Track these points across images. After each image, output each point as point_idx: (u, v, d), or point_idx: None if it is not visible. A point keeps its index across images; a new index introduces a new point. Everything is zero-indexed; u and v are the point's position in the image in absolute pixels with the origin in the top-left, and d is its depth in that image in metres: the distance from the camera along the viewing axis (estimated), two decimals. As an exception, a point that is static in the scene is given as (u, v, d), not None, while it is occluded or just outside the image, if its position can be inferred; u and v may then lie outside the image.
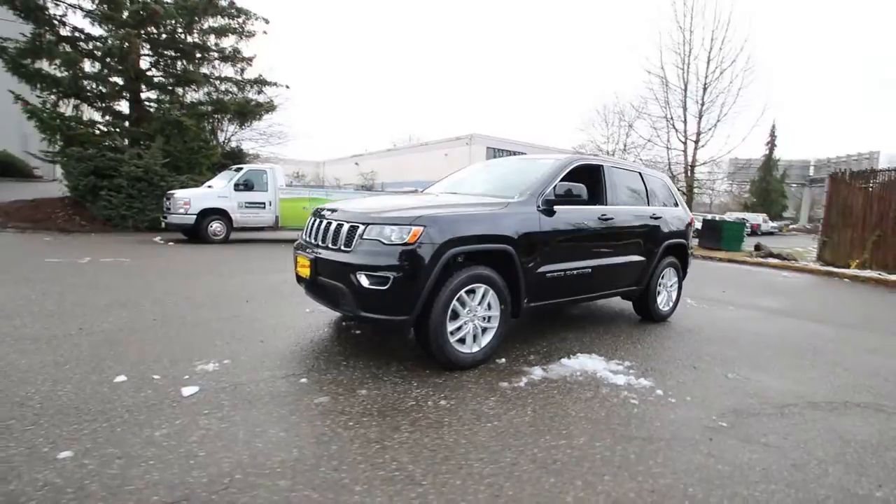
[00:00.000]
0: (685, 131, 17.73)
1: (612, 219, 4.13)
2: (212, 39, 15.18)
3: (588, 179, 4.15)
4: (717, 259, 13.98)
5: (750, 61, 16.52)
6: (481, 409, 2.57)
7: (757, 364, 3.68)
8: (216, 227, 10.54)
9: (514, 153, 35.83)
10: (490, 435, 2.28)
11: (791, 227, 42.82)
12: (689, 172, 17.99)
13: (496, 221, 3.25)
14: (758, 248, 16.17)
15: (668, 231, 4.86)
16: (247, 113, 15.99)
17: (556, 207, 3.62)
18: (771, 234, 34.44)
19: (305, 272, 3.28)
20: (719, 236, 17.26)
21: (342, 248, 3.05)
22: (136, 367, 2.86)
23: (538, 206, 3.53)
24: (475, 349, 3.17)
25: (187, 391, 2.54)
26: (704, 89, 17.11)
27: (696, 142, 17.63)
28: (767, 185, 44.24)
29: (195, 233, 10.47)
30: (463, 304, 3.07)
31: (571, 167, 3.97)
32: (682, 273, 5.24)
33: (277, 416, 2.34)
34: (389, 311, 2.86)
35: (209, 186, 11.20)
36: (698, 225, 17.87)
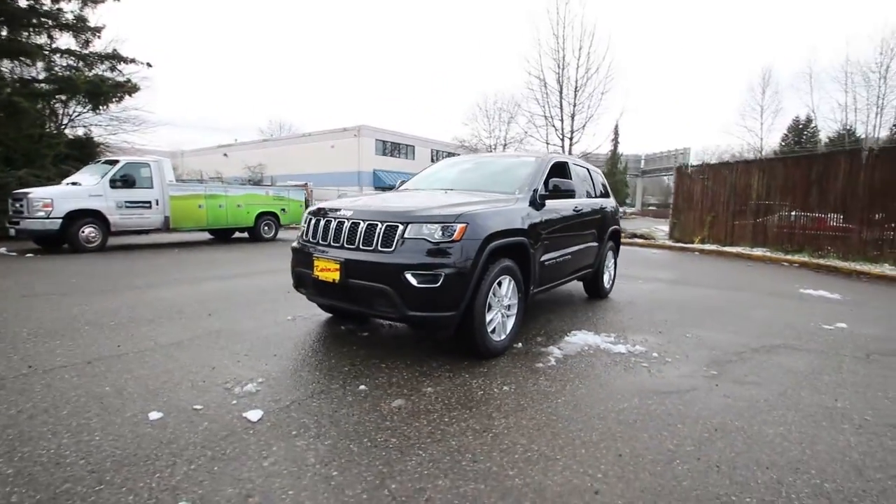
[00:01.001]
0: (562, 129, 19.93)
1: (581, 210, 4.68)
2: (47, 2, 12.32)
3: (559, 175, 4.61)
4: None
5: (610, 70, 19.23)
6: (541, 388, 2.82)
7: (696, 324, 4.57)
8: (89, 232, 8.79)
9: (406, 146, 36.08)
10: (568, 408, 2.55)
11: (629, 212, 51.06)
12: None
13: (515, 216, 3.49)
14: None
15: (610, 219, 5.63)
16: (102, 94, 13.41)
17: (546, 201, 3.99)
18: (621, 218, 40.66)
19: (331, 276, 3.12)
20: None
21: (379, 248, 2.99)
22: (158, 399, 2.46)
23: (535, 200, 3.85)
24: (503, 337, 3.39)
25: (253, 415, 2.31)
26: (576, 92, 19.41)
27: (571, 139, 19.95)
28: (614, 177, 51.85)
29: (58, 240, 8.61)
30: (494, 295, 3.26)
31: (552, 164, 4.38)
32: (616, 255, 6.11)
33: (373, 425, 2.28)
34: (439, 309, 2.92)
35: (73, 184, 9.23)
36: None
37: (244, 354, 3.22)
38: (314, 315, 4.33)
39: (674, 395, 2.78)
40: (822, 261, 10.20)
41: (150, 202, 9.70)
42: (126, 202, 9.34)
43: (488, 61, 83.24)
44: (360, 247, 3.07)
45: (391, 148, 34.36)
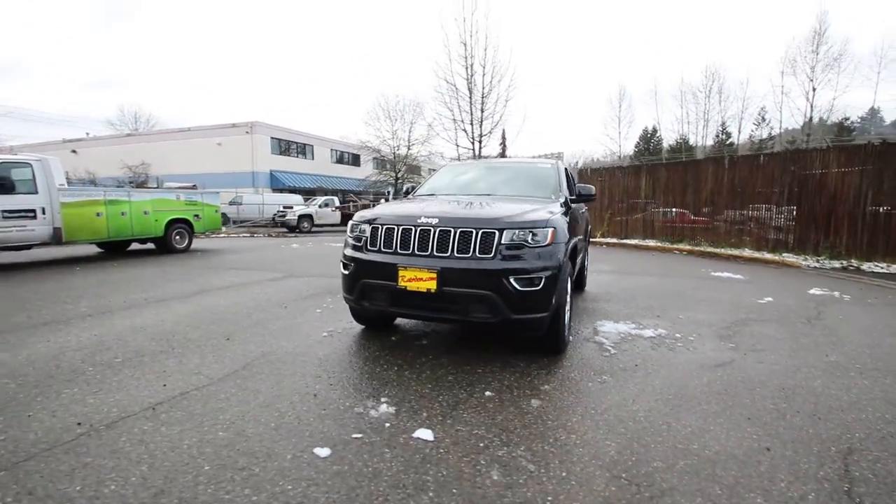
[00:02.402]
0: (472, 133, 20.89)
1: (583, 212, 5.17)
2: None
3: (566, 179, 5.03)
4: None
5: (513, 80, 20.74)
6: (630, 373, 3.15)
7: (674, 307, 5.37)
8: (-50, 251, 6.86)
9: (304, 145, 34.04)
10: (669, 387, 2.92)
11: None
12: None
13: (567, 220, 3.78)
14: None
15: (588, 218, 6.27)
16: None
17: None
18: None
19: (425, 285, 3.06)
20: None
21: (477, 255, 3.04)
22: (312, 436, 2.22)
23: (566, 204, 4.19)
24: (567, 332, 3.66)
25: (422, 434, 2.23)
26: (483, 99, 20.51)
27: (480, 142, 21.04)
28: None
29: None
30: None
31: (564, 170, 4.77)
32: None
33: (545, 427, 2.38)
34: (538, 310, 3.08)
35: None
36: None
37: (330, 378, 2.99)
38: (347, 329, 4.12)
39: (727, 367, 3.34)
40: (699, 248, 12.48)
41: (34, 210, 7.89)
42: (2, 212, 7.47)
43: (388, 63, 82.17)
44: (455, 254, 3.08)
45: (288, 147, 32.17)
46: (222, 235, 15.14)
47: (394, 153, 30.34)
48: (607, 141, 48.92)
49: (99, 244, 10.31)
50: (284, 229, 20.71)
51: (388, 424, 2.35)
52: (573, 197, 4.35)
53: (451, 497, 1.77)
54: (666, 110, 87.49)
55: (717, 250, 11.88)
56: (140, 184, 21.29)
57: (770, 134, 46.93)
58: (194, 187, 17.12)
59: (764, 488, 1.87)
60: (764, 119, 46.99)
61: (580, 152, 64.37)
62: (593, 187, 4.48)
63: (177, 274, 7.32)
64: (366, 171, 34.57)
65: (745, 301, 5.78)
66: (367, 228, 3.44)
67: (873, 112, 51.10)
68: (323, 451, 2.07)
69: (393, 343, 3.74)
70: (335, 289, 6.01)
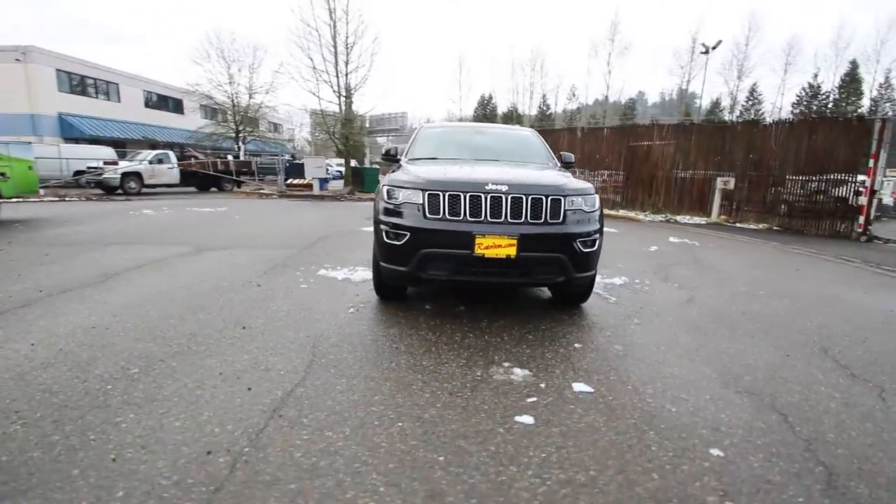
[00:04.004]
0: (338, 85, 19.51)
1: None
2: None
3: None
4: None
5: (378, 36, 19.87)
6: (648, 318, 3.84)
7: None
8: None
9: (106, 83, 26.54)
10: (684, 326, 3.69)
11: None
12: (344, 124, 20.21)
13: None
14: None
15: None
16: None
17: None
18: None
19: (504, 251, 3.12)
20: (362, 180, 21.03)
21: (549, 220, 3.23)
22: (491, 417, 2.21)
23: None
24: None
25: (578, 387, 2.45)
26: (347, 50, 19.18)
27: (348, 97, 19.84)
28: (346, 138, 53.33)
29: None
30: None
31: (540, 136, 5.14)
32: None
33: (645, 362, 2.82)
34: (592, 268, 3.48)
35: None
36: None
37: (440, 352, 2.88)
38: (364, 303, 3.88)
39: (693, 303, 4.31)
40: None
41: None
42: None
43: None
44: (529, 220, 3.20)
45: (83, 84, 24.62)
46: (33, 200, 11.07)
47: (232, 101, 26.24)
48: (449, 104, 51.21)
49: None
50: (100, 191, 16.46)
51: (543, 385, 2.49)
52: (561, 164, 4.77)
53: (653, 420, 2.08)
54: (501, 80, 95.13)
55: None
56: None
57: (578, 107, 55.39)
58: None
59: (792, 365, 2.67)
60: (574, 94, 55.11)
61: (425, 113, 65.66)
62: (572, 154, 4.95)
63: (32, 255, 5.43)
64: (193, 120, 29.22)
65: (640, 250, 7.21)
66: (421, 195, 3.26)
67: (640, 94, 63.85)
68: (526, 419, 2.13)
69: (433, 312, 3.70)
70: (284, 261, 5.39)
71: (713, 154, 12.67)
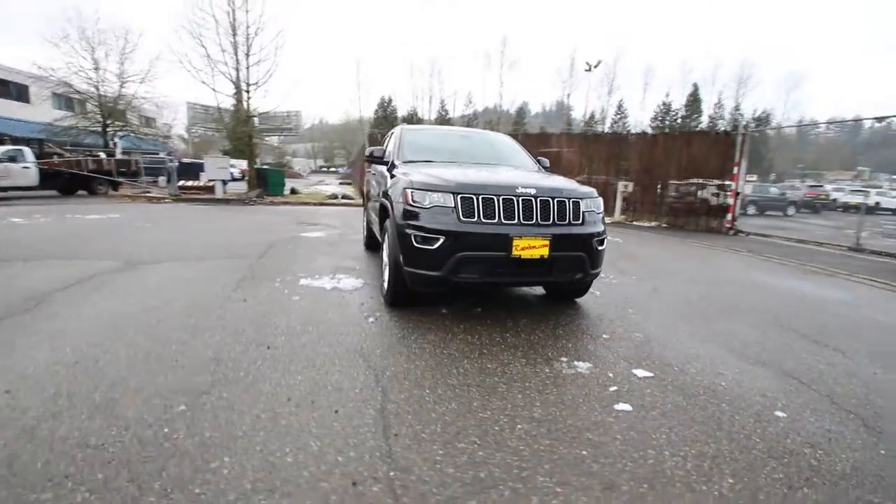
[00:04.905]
0: (238, 77, 17.83)
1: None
2: None
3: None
4: (296, 203, 16.41)
5: (282, 31, 18.63)
6: (642, 306, 4.28)
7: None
8: None
9: None
10: (674, 313, 4.19)
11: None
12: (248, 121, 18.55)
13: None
14: (294, 191, 20.25)
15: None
16: None
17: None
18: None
19: (538, 252, 3.25)
20: (266, 183, 19.64)
21: (572, 221, 3.44)
22: (593, 409, 2.32)
23: (549, 174, 4.87)
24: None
25: (641, 373, 2.69)
26: (248, 40, 17.66)
27: (248, 91, 18.24)
28: (238, 138, 48.87)
29: None
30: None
31: (516, 142, 5.38)
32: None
33: (668, 346, 3.17)
34: (601, 264, 3.77)
35: None
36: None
37: (524, 352, 2.88)
38: (376, 311, 3.72)
39: (659, 292, 4.89)
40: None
41: None
42: None
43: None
44: (557, 222, 3.37)
45: None
46: None
47: (97, 90, 22.38)
48: (348, 105, 50.10)
49: None
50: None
51: (611, 374, 2.67)
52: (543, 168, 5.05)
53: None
54: (400, 83, 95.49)
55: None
56: None
57: (474, 113, 57.97)
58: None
59: (771, 338, 3.27)
60: (471, 101, 57.55)
61: (318, 113, 63.02)
62: (548, 160, 5.27)
63: None
64: (43, 111, 24.33)
65: (650, 252, 7.89)
66: (453, 198, 3.25)
67: (525, 104, 68.76)
68: (624, 406, 2.28)
69: (453, 316, 3.68)
70: (246, 272, 4.89)
71: (613, 161, 14.32)
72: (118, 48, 22.81)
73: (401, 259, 3.43)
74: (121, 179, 17.17)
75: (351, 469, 1.73)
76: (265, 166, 23.38)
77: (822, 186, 24.65)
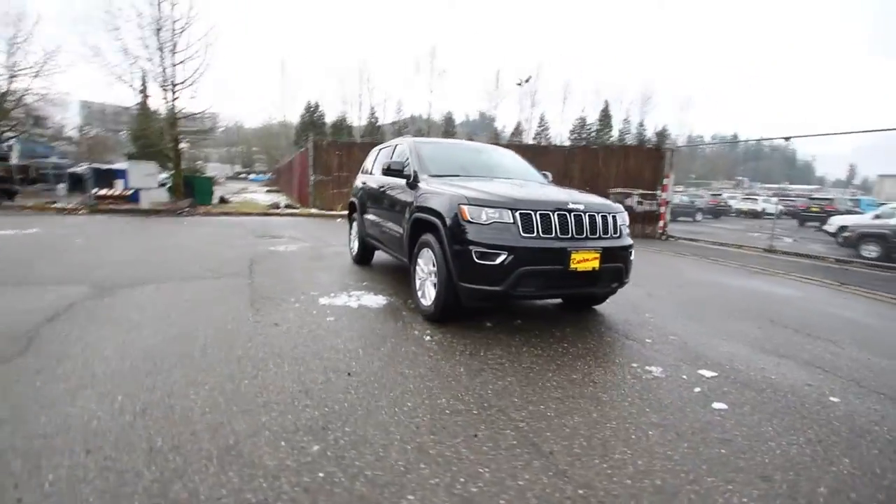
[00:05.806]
0: (165, 76, 16.24)
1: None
2: None
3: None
4: (257, 214, 15.38)
5: (211, 30, 17.33)
6: (659, 301, 4.65)
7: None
8: None
9: None
10: (684, 310, 4.61)
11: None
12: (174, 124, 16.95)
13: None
14: (223, 200, 18.99)
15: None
16: None
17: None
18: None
19: (591, 265, 3.44)
20: (193, 191, 18.13)
21: (612, 235, 3.69)
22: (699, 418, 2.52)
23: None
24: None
25: (707, 373, 2.97)
26: (173, 35, 16.19)
27: (173, 91, 16.69)
28: (149, 138, 44.09)
29: None
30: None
31: (515, 154, 5.59)
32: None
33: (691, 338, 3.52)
34: (629, 273, 4.06)
35: None
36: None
37: (596, 365, 2.98)
38: (427, 328, 3.68)
39: (653, 296, 5.35)
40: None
41: None
42: None
43: None
44: (602, 235, 3.59)
45: None
46: None
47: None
48: (272, 109, 47.70)
49: None
50: None
51: (685, 377, 2.91)
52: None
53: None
54: (328, 89, 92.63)
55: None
56: None
57: (404, 121, 58.03)
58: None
59: (773, 334, 3.78)
60: (401, 109, 57.57)
61: (234, 116, 59.47)
62: (549, 173, 5.51)
63: None
64: None
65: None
66: (510, 214, 3.34)
67: (449, 114, 69.87)
68: (720, 405, 2.51)
69: (501, 329, 3.74)
70: (244, 292, 4.56)
71: (561, 172, 15.21)
72: (5, 37, 19.66)
73: (455, 275, 3.43)
74: (17, 188, 14.80)
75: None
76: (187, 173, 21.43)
77: (720, 195, 28.20)
